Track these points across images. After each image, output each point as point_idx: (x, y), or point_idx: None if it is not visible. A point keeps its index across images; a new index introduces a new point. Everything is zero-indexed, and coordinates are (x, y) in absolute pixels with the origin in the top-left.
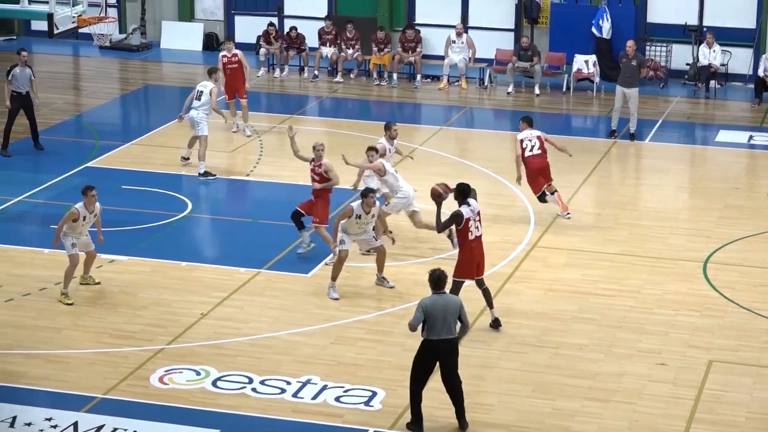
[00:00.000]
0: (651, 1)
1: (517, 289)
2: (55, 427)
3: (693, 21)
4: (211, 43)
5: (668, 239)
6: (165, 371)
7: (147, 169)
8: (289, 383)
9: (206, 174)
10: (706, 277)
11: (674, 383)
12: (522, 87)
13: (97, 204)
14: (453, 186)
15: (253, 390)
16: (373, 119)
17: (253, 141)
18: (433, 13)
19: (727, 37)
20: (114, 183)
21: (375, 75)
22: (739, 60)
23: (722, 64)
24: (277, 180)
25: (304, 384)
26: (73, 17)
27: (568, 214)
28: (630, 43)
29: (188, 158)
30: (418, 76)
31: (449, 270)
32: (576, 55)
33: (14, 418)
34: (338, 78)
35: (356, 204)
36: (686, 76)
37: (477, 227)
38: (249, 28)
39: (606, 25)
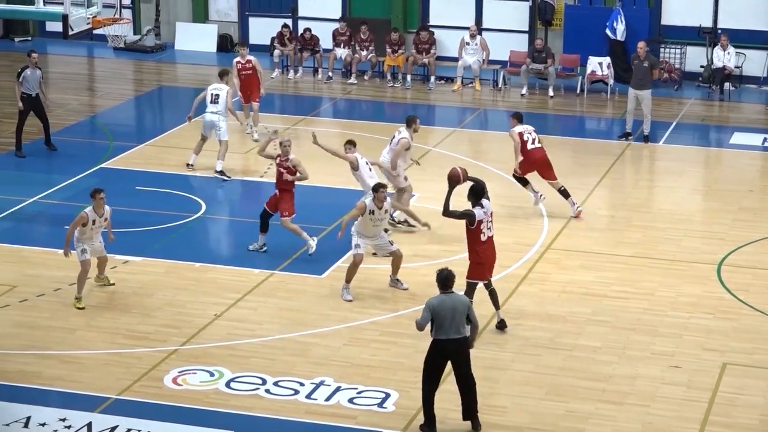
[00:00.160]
0: (665, 3)
1: (531, 291)
2: (69, 427)
3: (707, 23)
4: (225, 45)
5: (682, 242)
6: (179, 372)
7: (161, 170)
8: (302, 384)
9: (222, 173)
10: (720, 280)
11: (688, 386)
12: (536, 89)
13: (107, 207)
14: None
15: (267, 391)
16: (386, 121)
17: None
18: (447, 14)
19: (742, 39)
20: (128, 184)
21: (389, 76)
22: (754, 62)
23: (736, 67)
24: None
25: (318, 385)
26: (88, 18)
27: (543, 196)
28: (641, 45)
29: (193, 165)
30: (432, 78)
31: (462, 272)
32: (590, 57)
33: (28, 418)
34: (352, 79)
35: (368, 200)
36: (700, 79)
37: (489, 228)
38: (263, 29)
39: (620, 27)
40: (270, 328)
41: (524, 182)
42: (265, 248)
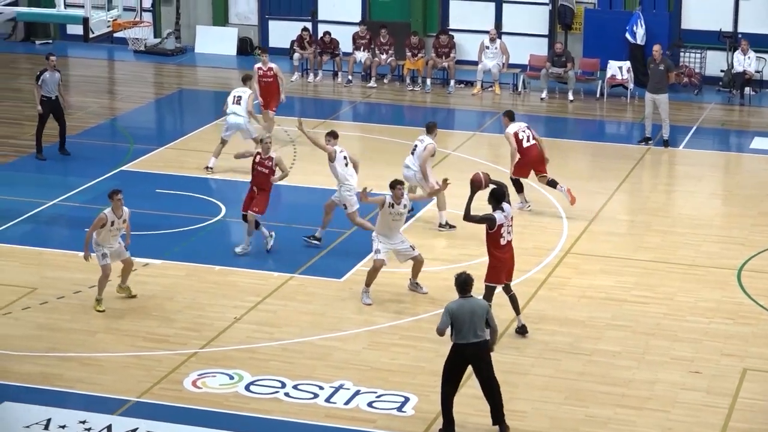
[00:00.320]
0: (685, 8)
1: (551, 295)
2: (89, 429)
3: (728, 27)
4: (245, 48)
5: (702, 246)
6: (198, 375)
7: (181, 173)
8: (321, 388)
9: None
10: (740, 285)
11: (708, 391)
12: (556, 93)
13: (125, 208)
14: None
15: (286, 395)
16: (406, 124)
17: (287, 146)
18: (466, 18)
19: (762, 43)
20: (148, 187)
21: (408, 80)
22: None
23: (757, 71)
24: (309, 185)
25: (337, 389)
26: (109, 22)
27: (529, 206)
28: (656, 48)
29: (212, 168)
30: (452, 82)
31: (481, 275)
32: (610, 61)
33: (49, 420)
34: (372, 83)
35: (388, 196)
36: (720, 83)
37: (509, 232)
38: (283, 32)
39: (640, 31)
40: (289, 332)
41: (519, 187)
42: (272, 238)
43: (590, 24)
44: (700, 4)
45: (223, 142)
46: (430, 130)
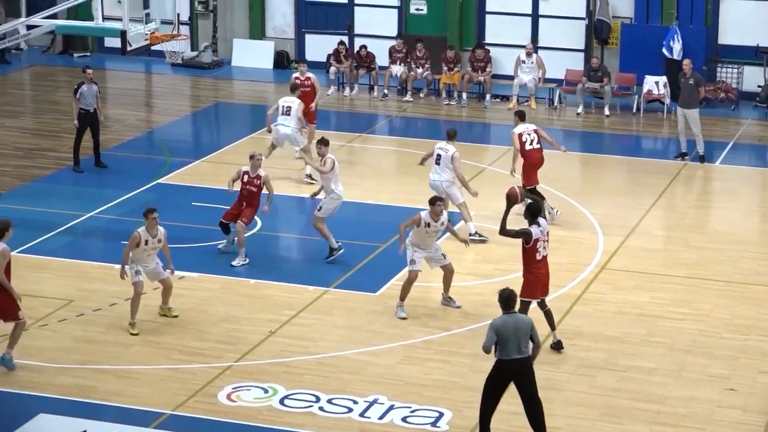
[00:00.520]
0: (722, 23)
1: (586, 311)
2: None
3: (765, 42)
4: (281, 61)
5: (738, 263)
6: (233, 388)
7: (217, 186)
8: (356, 402)
9: (310, 176)
10: None
11: (744, 409)
12: (592, 108)
13: (160, 228)
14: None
15: (321, 409)
16: (442, 138)
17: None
18: (503, 32)
19: None
20: (184, 200)
21: (444, 94)
22: None
23: None
24: (346, 199)
25: (371, 403)
26: (146, 35)
27: (558, 211)
28: (686, 62)
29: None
30: (488, 96)
31: (516, 290)
32: (646, 76)
33: None
34: (408, 97)
35: (424, 213)
36: (758, 99)
37: (544, 247)
38: (319, 46)
39: (677, 46)
40: (324, 346)
41: (534, 191)
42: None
43: (627, 39)
44: (737, 19)
45: (273, 147)
46: (452, 137)
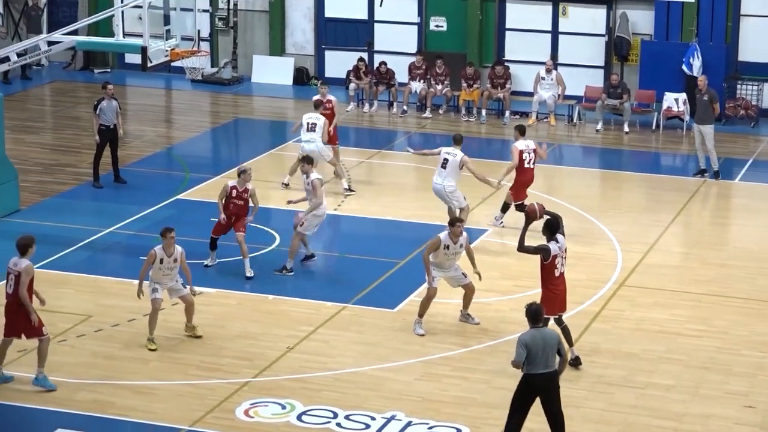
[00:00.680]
0: (742, 40)
1: (604, 328)
2: None
3: None
4: (301, 78)
5: (757, 280)
6: (251, 404)
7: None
8: (373, 419)
9: (349, 189)
10: None
11: (762, 427)
12: (611, 124)
13: (178, 247)
14: (548, 214)
15: (338, 425)
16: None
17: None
18: (522, 49)
19: None
20: (203, 215)
21: (464, 111)
22: None
23: None
24: (364, 215)
25: (389, 420)
26: (166, 51)
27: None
28: (701, 78)
29: (288, 184)
30: (507, 113)
31: None
32: (666, 93)
33: None
34: (427, 113)
35: (443, 234)
36: None
37: (562, 264)
38: (339, 63)
39: (696, 63)
40: (342, 362)
41: (507, 207)
42: (216, 260)
43: (646, 55)
44: (757, 36)
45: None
46: (459, 141)
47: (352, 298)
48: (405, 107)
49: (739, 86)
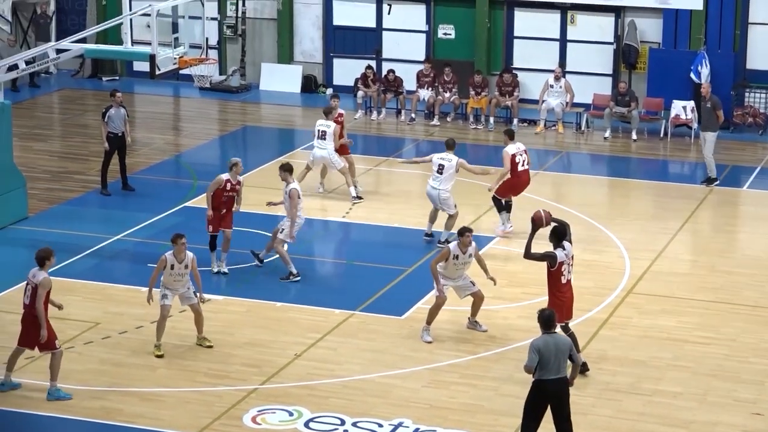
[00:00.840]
0: (750, 47)
1: (612, 335)
2: None
3: None
4: (309, 86)
5: (765, 287)
6: (258, 411)
7: (243, 210)
8: (381, 426)
9: (357, 197)
10: None
11: None
12: (619, 132)
13: (189, 254)
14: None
15: None
16: (469, 162)
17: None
18: (530, 57)
19: None
20: None
21: (472, 118)
22: None
23: None
24: (372, 222)
25: (396, 426)
26: (175, 59)
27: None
28: (705, 85)
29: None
30: (515, 120)
31: None
32: (674, 100)
33: None
34: (435, 121)
35: (452, 245)
36: None
37: (569, 271)
38: (347, 70)
39: (705, 71)
40: (349, 369)
41: (500, 206)
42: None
43: (654, 63)
44: (765, 44)
45: (308, 168)
46: (452, 146)
47: (359, 305)
48: (413, 115)
49: (747, 94)
